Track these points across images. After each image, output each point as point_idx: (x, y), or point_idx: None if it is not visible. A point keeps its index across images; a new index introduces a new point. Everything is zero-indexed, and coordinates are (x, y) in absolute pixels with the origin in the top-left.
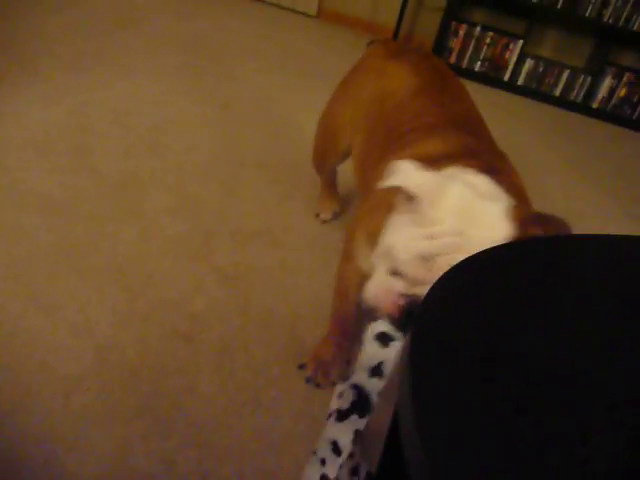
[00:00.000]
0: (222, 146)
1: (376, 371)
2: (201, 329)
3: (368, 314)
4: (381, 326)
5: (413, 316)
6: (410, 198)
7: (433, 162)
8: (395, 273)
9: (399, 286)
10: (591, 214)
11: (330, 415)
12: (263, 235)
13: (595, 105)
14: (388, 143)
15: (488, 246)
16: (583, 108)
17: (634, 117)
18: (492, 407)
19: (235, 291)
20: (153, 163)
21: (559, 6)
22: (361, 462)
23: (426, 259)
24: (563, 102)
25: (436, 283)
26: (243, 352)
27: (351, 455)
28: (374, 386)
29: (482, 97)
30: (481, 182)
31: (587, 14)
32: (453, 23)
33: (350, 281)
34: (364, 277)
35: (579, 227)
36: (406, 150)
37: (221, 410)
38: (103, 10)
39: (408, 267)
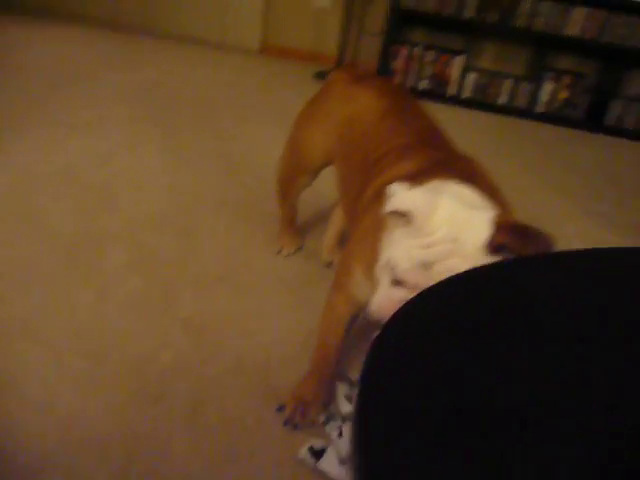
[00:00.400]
0: (177, 193)
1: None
2: (170, 386)
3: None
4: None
5: None
6: (404, 215)
7: (413, 179)
8: (397, 283)
9: (401, 294)
10: (550, 216)
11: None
12: (226, 279)
13: (540, 110)
14: (367, 168)
15: (480, 250)
16: (529, 113)
17: (577, 117)
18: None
19: (203, 341)
20: (106, 219)
21: (492, 20)
22: None
23: (425, 266)
24: (509, 110)
25: (387, 324)
26: (216, 405)
27: None
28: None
29: (431, 113)
30: (465, 191)
31: (519, 25)
32: (394, 45)
33: (340, 313)
34: (356, 307)
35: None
36: (385, 174)
37: (199, 469)
38: (44, 69)
39: (409, 275)
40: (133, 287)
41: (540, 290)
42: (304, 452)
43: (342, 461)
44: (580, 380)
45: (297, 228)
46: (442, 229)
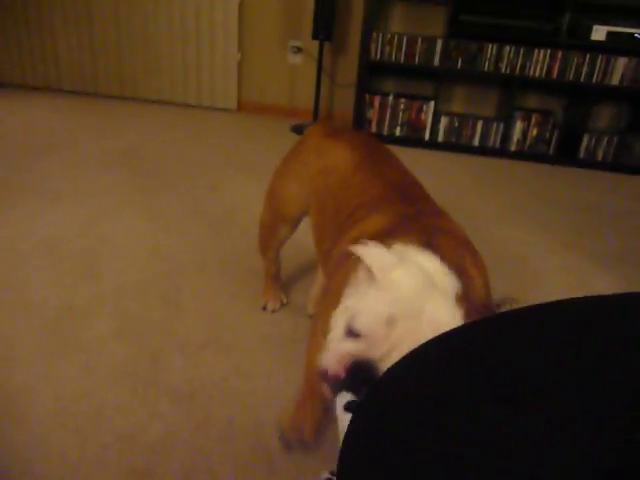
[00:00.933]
0: (159, 257)
1: None
2: (161, 460)
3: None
4: (346, 397)
5: (361, 378)
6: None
7: (380, 239)
8: (351, 334)
9: (349, 347)
10: (532, 251)
11: None
12: (213, 343)
13: (513, 148)
14: (340, 220)
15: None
16: (503, 152)
17: (550, 152)
18: None
19: (192, 410)
20: (89, 289)
21: (459, 66)
22: None
23: (389, 322)
24: (483, 150)
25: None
26: (208, 475)
27: None
28: None
29: (407, 159)
30: (424, 261)
31: (486, 69)
32: (367, 96)
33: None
34: None
35: (522, 269)
36: (355, 229)
37: None
38: (24, 139)
39: (369, 328)
40: (118, 358)
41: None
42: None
43: None
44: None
45: (281, 283)
46: (408, 290)
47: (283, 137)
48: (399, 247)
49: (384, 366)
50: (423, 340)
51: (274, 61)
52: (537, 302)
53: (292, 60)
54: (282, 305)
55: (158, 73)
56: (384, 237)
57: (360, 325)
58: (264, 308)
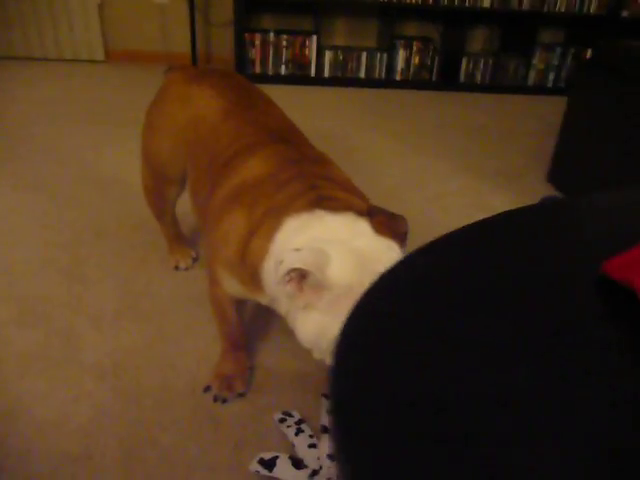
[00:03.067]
0: (51, 230)
1: None
2: (95, 441)
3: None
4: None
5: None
6: (303, 273)
7: (264, 184)
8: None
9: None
10: (431, 177)
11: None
12: (127, 312)
13: (398, 77)
14: (216, 170)
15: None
16: (388, 83)
17: (433, 79)
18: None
19: (119, 383)
20: None
21: None
22: None
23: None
24: (370, 82)
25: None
26: (151, 445)
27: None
28: None
29: (296, 98)
30: (336, 223)
31: None
32: (246, 34)
33: (224, 302)
34: (234, 297)
35: (424, 195)
36: (235, 176)
37: None
38: None
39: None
40: (25, 343)
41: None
42: (254, 464)
43: (296, 463)
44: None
45: (186, 239)
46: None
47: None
48: (305, 217)
49: None
50: None
51: (139, 2)
52: (445, 224)
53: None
54: (194, 261)
55: (5, 26)
56: (269, 184)
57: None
58: (176, 268)
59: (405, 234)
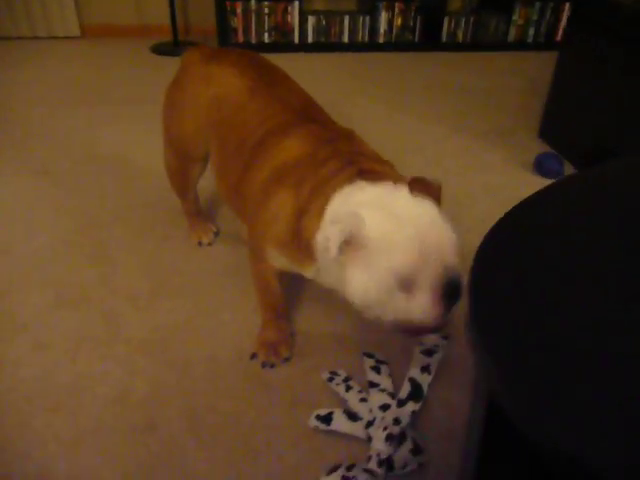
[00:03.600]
0: (66, 216)
1: (425, 369)
2: (158, 412)
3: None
4: (430, 342)
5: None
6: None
7: (307, 164)
8: (403, 289)
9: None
10: (425, 140)
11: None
12: (161, 289)
13: (381, 40)
14: (246, 151)
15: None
16: (372, 46)
17: (416, 40)
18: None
19: (168, 357)
20: (1, 264)
21: None
22: (406, 433)
23: (420, 253)
24: (353, 47)
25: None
26: (212, 413)
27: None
28: (425, 379)
29: (281, 65)
30: (377, 191)
31: None
32: (227, 3)
33: (269, 276)
34: (279, 269)
35: (424, 158)
36: (273, 158)
37: (222, 475)
38: None
39: (413, 263)
40: (69, 326)
41: None
42: (313, 420)
43: (351, 416)
44: None
45: (206, 215)
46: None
47: (144, 60)
48: (347, 190)
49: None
50: (444, 234)
51: None
52: (452, 186)
53: None
54: (215, 235)
55: None
56: (310, 164)
57: (405, 271)
58: (199, 244)
59: (439, 199)
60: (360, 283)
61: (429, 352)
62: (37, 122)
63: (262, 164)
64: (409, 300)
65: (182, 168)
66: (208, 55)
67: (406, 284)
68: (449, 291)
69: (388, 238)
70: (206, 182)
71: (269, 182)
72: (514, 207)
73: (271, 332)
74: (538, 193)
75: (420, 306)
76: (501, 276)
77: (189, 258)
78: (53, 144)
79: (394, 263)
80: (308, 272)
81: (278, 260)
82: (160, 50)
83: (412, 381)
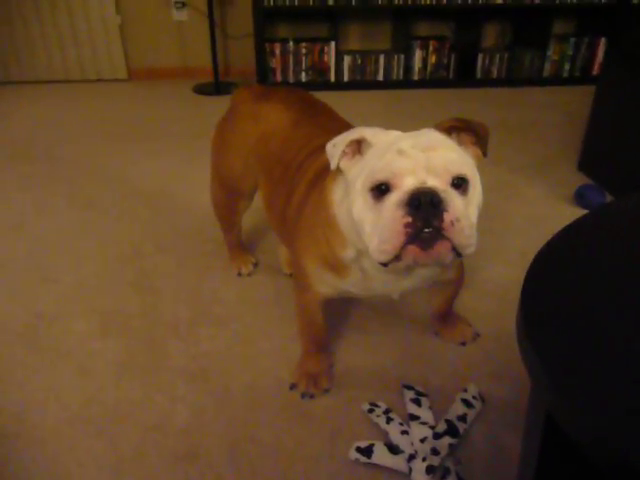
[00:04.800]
0: (112, 249)
1: (462, 418)
2: (199, 440)
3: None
4: (471, 391)
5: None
6: (359, 142)
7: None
8: (380, 192)
9: (399, 209)
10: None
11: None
12: (202, 317)
13: (416, 77)
14: (290, 176)
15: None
16: (407, 84)
17: (450, 77)
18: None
19: (209, 385)
20: (50, 292)
21: (353, 3)
22: (449, 467)
23: (400, 153)
24: (388, 84)
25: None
26: (253, 444)
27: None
28: (461, 426)
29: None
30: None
31: (380, 2)
32: (266, 45)
33: (314, 309)
34: (325, 297)
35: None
36: (311, 170)
37: None
38: None
39: (393, 167)
40: (112, 353)
41: None
42: (353, 453)
43: (392, 449)
44: None
45: (246, 247)
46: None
47: (187, 100)
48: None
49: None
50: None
51: (158, 20)
52: (490, 217)
53: (177, 16)
54: (254, 266)
55: (30, 51)
56: None
57: (382, 173)
58: (239, 274)
59: (485, 137)
60: (357, 203)
61: (468, 403)
62: (86, 158)
63: (300, 184)
64: (381, 208)
65: (229, 203)
66: (257, 94)
67: (381, 192)
68: (424, 199)
69: (379, 143)
70: (246, 214)
71: (303, 197)
72: (559, 233)
73: (311, 363)
74: (580, 219)
75: (386, 209)
76: (551, 296)
77: (229, 287)
78: (100, 179)
79: (373, 167)
80: (351, 277)
81: (321, 280)
82: (202, 90)
83: (449, 422)
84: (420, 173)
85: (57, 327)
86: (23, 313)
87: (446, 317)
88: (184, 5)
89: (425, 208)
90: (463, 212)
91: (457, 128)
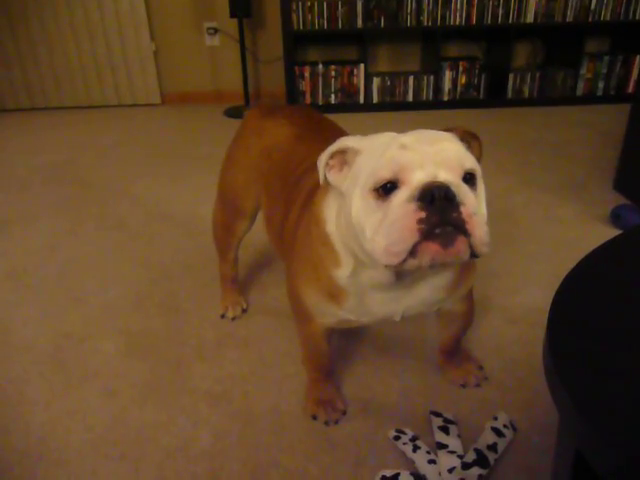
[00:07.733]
0: (140, 267)
1: (492, 447)
2: (221, 464)
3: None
4: (502, 419)
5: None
6: (345, 152)
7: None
8: (384, 191)
9: (409, 204)
10: (494, 192)
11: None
12: (228, 340)
13: (445, 98)
14: (288, 190)
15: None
16: (436, 105)
17: (481, 97)
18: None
19: (232, 408)
20: (78, 313)
21: (382, 25)
22: None
23: (402, 147)
24: (418, 105)
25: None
26: (276, 469)
27: None
28: (491, 456)
29: (346, 125)
30: None
31: (408, 24)
32: (296, 68)
33: (317, 339)
34: (328, 326)
35: (492, 210)
36: (304, 192)
37: None
38: None
39: (396, 162)
40: (137, 374)
41: None
42: None
43: (419, 478)
44: None
45: (239, 286)
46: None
47: (218, 123)
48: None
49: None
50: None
51: (191, 46)
52: (520, 238)
53: (210, 42)
54: (243, 312)
55: (69, 77)
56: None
57: (387, 170)
58: (222, 316)
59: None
60: (356, 208)
61: (499, 432)
62: (118, 181)
63: (296, 202)
64: (387, 207)
65: (228, 222)
66: (265, 111)
67: (387, 190)
68: (436, 194)
69: (369, 146)
70: (244, 251)
71: (297, 216)
72: (589, 254)
73: (323, 390)
74: (613, 240)
75: (395, 206)
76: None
77: (255, 309)
78: (130, 201)
79: (374, 166)
80: (348, 303)
81: (319, 306)
82: (233, 113)
83: (478, 452)
84: (429, 167)
85: (84, 348)
86: (52, 333)
87: (452, 354)
88: (216, 31)
89: (439, 203)
90: (477, 207)
91: (457, 131)
